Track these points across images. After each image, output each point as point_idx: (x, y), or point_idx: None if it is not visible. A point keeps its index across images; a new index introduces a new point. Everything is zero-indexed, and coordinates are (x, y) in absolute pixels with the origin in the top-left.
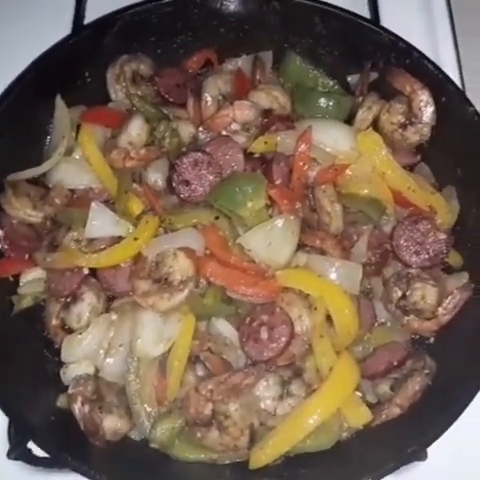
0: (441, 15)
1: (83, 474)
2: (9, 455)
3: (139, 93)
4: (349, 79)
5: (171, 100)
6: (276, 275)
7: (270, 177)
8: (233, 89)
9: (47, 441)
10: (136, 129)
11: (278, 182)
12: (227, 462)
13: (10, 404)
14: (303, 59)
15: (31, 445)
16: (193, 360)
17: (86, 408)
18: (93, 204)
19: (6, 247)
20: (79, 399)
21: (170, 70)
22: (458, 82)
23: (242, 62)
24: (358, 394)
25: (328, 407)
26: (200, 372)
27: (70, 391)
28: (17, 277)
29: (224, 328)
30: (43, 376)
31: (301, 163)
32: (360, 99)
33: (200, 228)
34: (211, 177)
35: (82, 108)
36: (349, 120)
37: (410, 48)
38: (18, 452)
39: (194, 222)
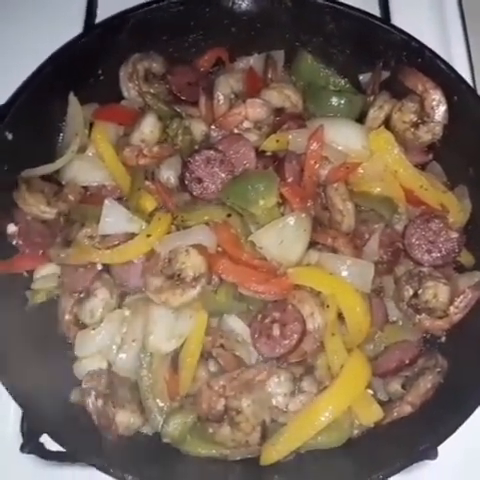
0: (452, 14)
1: (96, 467)
2: (22, 449)
3: (151, 91)
4: (361, 78)
5: (183, 98)
6: (288, 273)
7: (282, 175)
8: (245, 88)
9: (61, 434)
10: (149, 127)
11: (290, 180)
12: (238, 458)
13: (25, 398)
14: (315, 58)
15: (43, 440)
16: (205, 356)
17: (99, 402)
18: (106, 201)
19: (20, 243)
20: (92, 393)
21: (182, 68)
22: (469, 81)
23: (254, 61)
24: (369, 392)
25: (339, 404)
26: (212, 368)
27: (83, 385)
28: (31, 273)
29: (236, 325)
30: (56, 371)
31: (313, 161)
32: (372, 98)
33: (212, 225)
34: (223, 175)
35: (95, 106)
36: (360, 119)
37: (422, 47)
38: (31, 446)
39: (206, 219)
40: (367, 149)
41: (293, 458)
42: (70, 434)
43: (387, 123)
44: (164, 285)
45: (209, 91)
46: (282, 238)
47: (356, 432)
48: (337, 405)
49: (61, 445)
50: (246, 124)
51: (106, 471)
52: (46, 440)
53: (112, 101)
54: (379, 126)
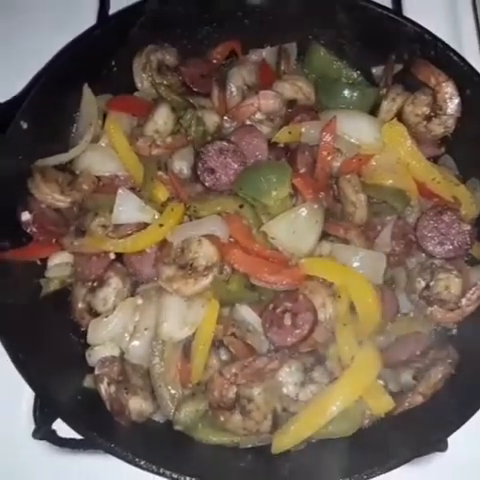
0: (465, 6)
1: (110, 452)
2: (34, 435)
3: (165, 82)
4: (374, 71)
5: (196, 90)
6: (300, 263)
7: (294, 166)
8: (257, 80)
9: (74, 419)
10: (162, 117)
11: (302, 171)
12: (249, 446)
13: (39, 384)
14: (327, 50)
15: (56, 426)
16: (217, 344)
17: (112, 388)
18: (120, 190)
19: (35, 231)
20: (105, 380)
21: (195, 60)
22: None
23: (266, 53)
24: (380, 383)
25: (350, 394)
26: (224, 356)
27: (96, 372)
28: (45, 261)
29: (248, 314)
30: (69, 358)
31: (325, 153)
32: (384, 91)
33: (224, 216)
34: (236, 165)
35: (109, 97)
36: (373, 112)
37: (435, 40)
38: (43, 432)
39: (218, 210)
40: (380, 141)
41: (304, 447)
42: (83, 419)
43: (400, 116)
44: (176, 274)
45: (222, 83)
46: (294, 229)
47: (367, 422)
48: (348, 395)
49: (74, 429)
50: (258, 116)
51: (119, 455)
52: (58, 427)
53: (125, 92)
54: (392, 119)
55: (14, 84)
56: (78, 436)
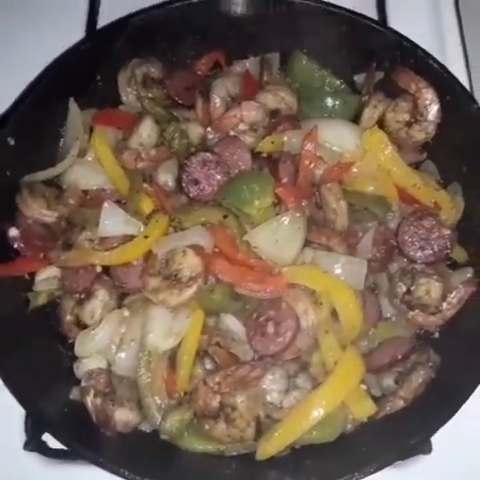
0: (449, 16)
1: (95, 463)
2: (25, 447)
3: (150, 95)
4: (355, 78)
5: (181, 102)
6: (282, 271)
7: (277, 176)
8: (241, 91)
9: (61, 432)
10: (146, 130)
11: (284, 180)
12: (234, 453)
13: (27, 397)
14: (310, 59)
15: (46, 438)
16: (202, 354)
17: (98, 400)
18: (105, 204)
19: (22, 246)
20: (92, 392)
21: (180, 73)
22: (466, 82)
23: (250, 64)
24: (363, 387)
25: (333, 400)
26: (208, 366)
27: (83, 384)
28: (33, 275)
29: (232, 323)
30: (57, 370)
31: (307, 162)
32: (366, 98)
33: (209, 226)
34: (219, 176)
35: (94, 111)
36: (355, 119)
37: (415, 47)
38: (34, 444)
39: (203, 220)
40: (361, 148)
41: (288, 453)
42: (69, 431)
43: (381, 123)
44: (161, 285)
45: (206, 94)
46: (277, 237)
47: (350, 427)
48: (331, 400)
49: (60, 441)
50: (242, 126)
51: (104, 467)
52: (49, 438)
53: (111, 106)
54: (373, 126)
55: None
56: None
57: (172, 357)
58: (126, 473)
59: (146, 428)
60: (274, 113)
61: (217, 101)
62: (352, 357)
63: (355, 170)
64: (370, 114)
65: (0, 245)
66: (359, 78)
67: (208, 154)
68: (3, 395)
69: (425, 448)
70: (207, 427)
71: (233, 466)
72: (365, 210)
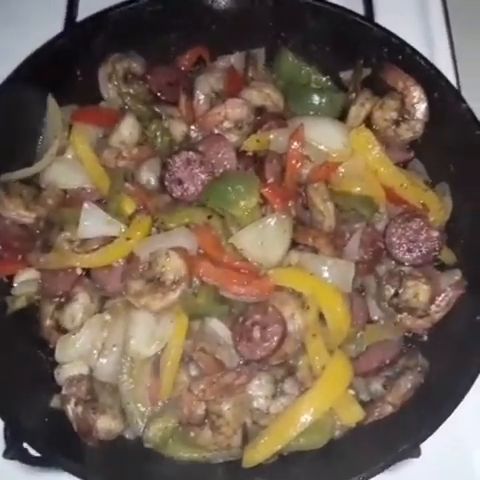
0: (437, 12)
1: (75, 474)
2: (5, 455)
3: (131, 91)
4: (342, 75)
5: (163, 98)
6: (268, 274)
7: (262, 176)
8: (225, 87)
9: (40, 442)
10: (128, 128)
11: (270, 181)
12: (220, 461)
13: (5, 405)
14: (296, 55)
15: (27, 445)
16: (186, 360)
17: (79, 409)
18: (85, 204)
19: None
20: (72, 400)
21: (162, 68)
22: (454, 80)
23: (234, 59)
24: (351, 392)
25: (321, 405)
26: (193, 372)
27: (63, 392)
28: (11, 278)
29: (217, 328)
30: (37, 377)
31: (294, 161)
32: (353, 96)
33: (193, 227)
34: (203, 176)
35: (74, 107)
36: (342, 117)
37: (402, 44)
38: (13, 452)
39: (187, 221)
40: (348, 147)
41: (275, 460)
42: (50, 441)
43: (368, 121)
44: (144, 289)
45: (189, 91)
46: (262, 239)
47: (338, 433)
48: (319, 406)
49: (39, 452)
50: (226, 124)
51: (85, 478)
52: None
53: (91, 102)
54: (360, 124)
55: None
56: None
57: (156, 363)
58: None
59: (130, 436)
60: (259, 110)
61: (201, 98)
62: (340, 361)
63: (342, 170)
64: (357, 112)
65: None
66: (345, 75)
67: (192, 153)
68: None
69: (414, 452)
70: (192, 435)
71: (219, 473)
72: (352, 211)
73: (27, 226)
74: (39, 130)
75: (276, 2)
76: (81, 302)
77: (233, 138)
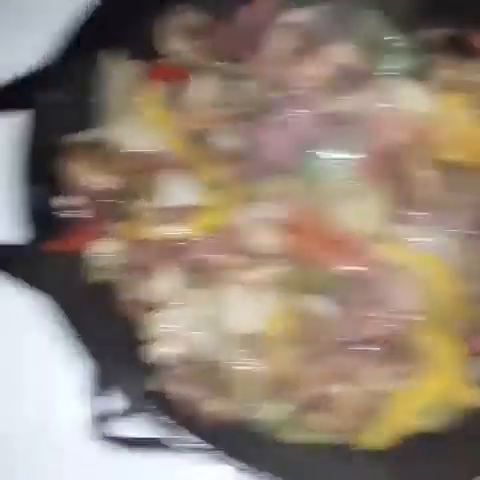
0: None
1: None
2: (92, 436)
3: (202, 49)
4: (428, 36)
5: (236, 57)
6: (370, 247)
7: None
8: (302, 44)
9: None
10: (203, 89)
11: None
12: (337, 443)
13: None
14: (379, 14)
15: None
16: (291, 339)
17: (181, 389)
18: (163, 171)
19: (76, 218)
20: (172, 380)
21: (231, 23)
22: None
23: (309, 14)
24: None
25: (438, 387)
26: (304, 353)
27: (161, 372)
28: (90, 250)
29: (319, 305)
30: (126, 356)
31: (385, 126)
32: (441, 58)
33: (285, 197)
34: (290, 140)
35: (141, 64)
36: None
37: None
38: (100, 433)
39: (279, 190)
40: (438, 112)
41: (393, 444)
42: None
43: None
44: (238, 262)
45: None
46: (361, 210)
47: (458, 416)
48: (436, 387)
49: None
50: (307, 83)
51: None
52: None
53: (158, 58)
54: (450, 87)
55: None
56: (136, 435)
57: (256, 340)
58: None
59: (237, 416)
60: (342, 69)
61: (277, 54)
62: (451, 340)
63: (437, 136)
64: (445, 75)
65: (48, 218)
66: (429, 34)
67: (276, 115)
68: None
69: None
70: (306, 417)
71: (334, 457)
72: (459, 180)
73: (103, 194)
74: (104, 90)
75: None
76: (168, 276)
77: (317, 99)
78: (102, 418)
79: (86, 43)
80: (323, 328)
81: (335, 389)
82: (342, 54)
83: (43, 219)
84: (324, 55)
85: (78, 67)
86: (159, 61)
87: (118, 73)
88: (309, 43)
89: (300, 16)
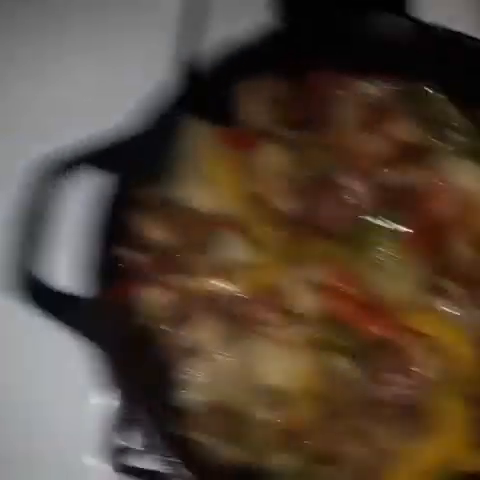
0: None
1: None
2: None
3: (273, 117)
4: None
5: (306, 126)
6: (399, 313)
7: None
8: (366, 117)
9: None
10: (269, 155)
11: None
12: None
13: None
14: (435, 91)
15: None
16: (317, 395)
17: (205, 438)
18: (222, 228)
19: (133, 268)
20: (198, 428)
21: (303, 92)
22: None
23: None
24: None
25: (443, 452)
26: (322, 409)
27: (188, 419)
28: (137, 298)
29: (345, 366)
30: (160, 400)
31: (435, 201)
32: None
33: (326, 260)
34: (347, 211)
35: (214, 128)
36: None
37: None
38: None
39: (322, 253)
40: None
41: None
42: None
43: None
44: (274, 318)
45: (331, 119)
46: (397, 277)
47: None
48: (441, 453)
49: None
50: (369, 155)
51: None
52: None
53: (229, 124)
54: None
55: None
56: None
57: (283, 395)
58: None
59: (252, 465)
60: (400, 145)
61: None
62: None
63: None
64: None
65: (108, 268)
66: None
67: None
68: None
69: None
70: (321, 472)
71: None
72: None
73: (159, 247)
74: (178, 149)
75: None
76: (207, 328)
77: (376, 171)
78: (121, 451)
79: (172, 109)
80: (345, 388)
81: (346, 447)
82: (405, 131)
83: (103, 268)
84: (388, 130)
85: (162, 131)
86: (232, 126)
87: (194, 135)
88: (375, 117)
89: (369, 89)
